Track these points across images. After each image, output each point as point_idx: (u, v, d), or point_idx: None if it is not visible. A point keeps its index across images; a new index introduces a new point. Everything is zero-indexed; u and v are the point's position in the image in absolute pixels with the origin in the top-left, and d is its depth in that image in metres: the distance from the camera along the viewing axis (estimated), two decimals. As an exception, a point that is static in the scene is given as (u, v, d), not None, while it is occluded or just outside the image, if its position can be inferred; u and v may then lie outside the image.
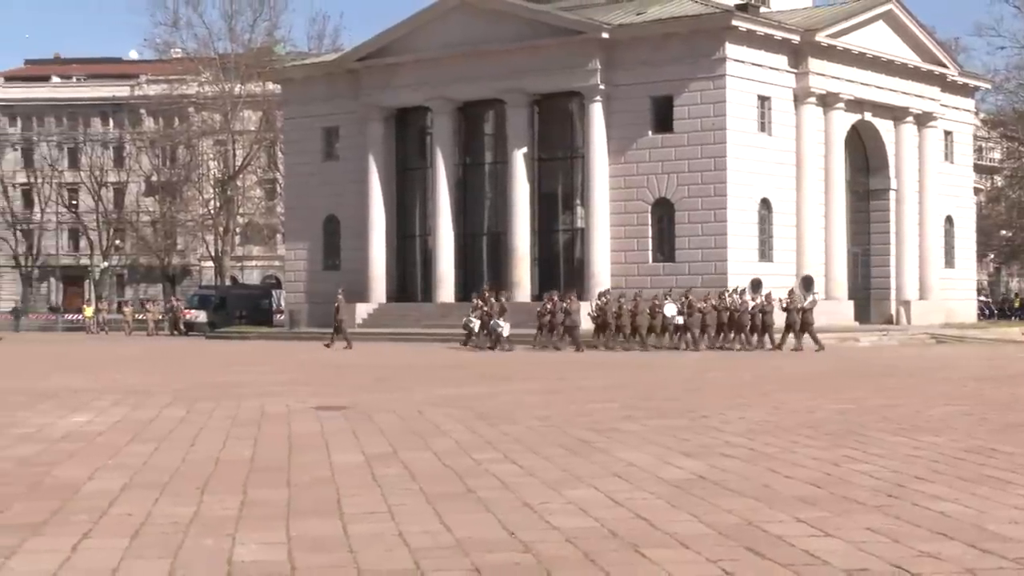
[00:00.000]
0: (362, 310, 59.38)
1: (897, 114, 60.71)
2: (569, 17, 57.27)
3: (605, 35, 55.24)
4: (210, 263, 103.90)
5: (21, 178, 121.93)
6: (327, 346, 47.38)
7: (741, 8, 55.73)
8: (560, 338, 46.12)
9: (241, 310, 72.51)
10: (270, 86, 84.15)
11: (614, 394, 22.27)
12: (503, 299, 47.62)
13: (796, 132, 56.35)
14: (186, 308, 74.94)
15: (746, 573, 7.34)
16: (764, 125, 55.24)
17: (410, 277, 61.41)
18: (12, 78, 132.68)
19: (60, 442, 14.31)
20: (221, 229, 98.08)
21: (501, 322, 45.70)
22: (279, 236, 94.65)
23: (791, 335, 44.49)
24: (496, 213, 60.53)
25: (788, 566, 7.52)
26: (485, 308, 46.93)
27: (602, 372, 30.11)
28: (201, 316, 71.49)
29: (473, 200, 61.44)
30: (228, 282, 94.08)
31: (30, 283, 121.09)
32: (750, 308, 45.63)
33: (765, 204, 55.27)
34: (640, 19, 55.99)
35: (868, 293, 61.21)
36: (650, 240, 55.36)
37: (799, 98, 56.30)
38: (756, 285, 49.22)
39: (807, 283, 49.83)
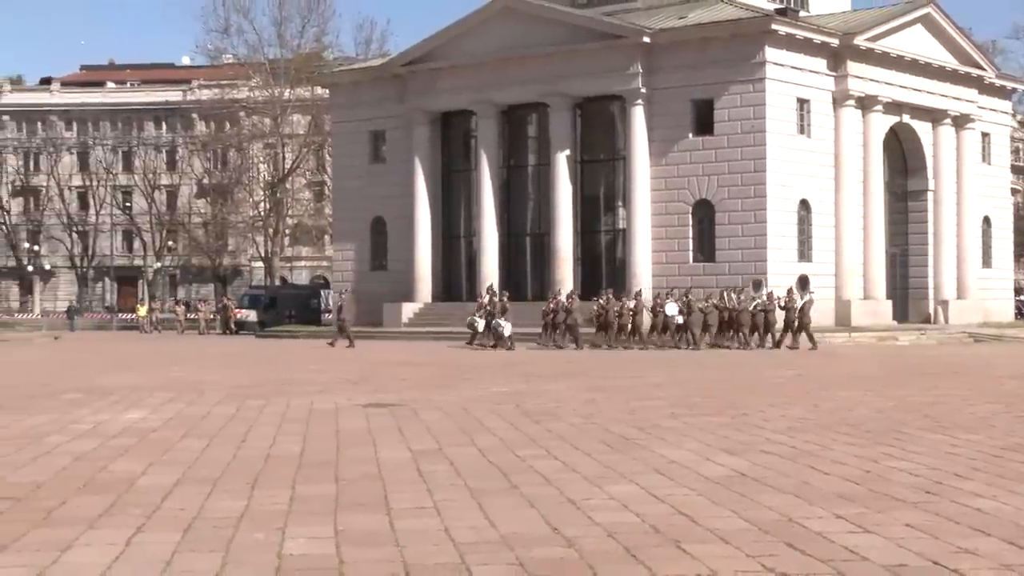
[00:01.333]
0: (408, 309, 59.52)
1: (935, 116, 60.34)
2: (611, 22, 57.23)
3: (646, 39, 55.15)
4: (260, 264, 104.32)
5: (77, 181, 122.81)
6: (330, 344, 47.43)
7: (781, 12, 55.54)
8: (562, 336, 46.15)
9: (290, 309, 72.77)
10: (319, 90, 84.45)
11: (657, 392, 22.21)
12: (504, 299, 47.71)
13: (835, 134, 56.10)
14: (237, 308, 75.24)
15: (786, 568, 7.30)
16: (803, 127, 55.03)
17: (455, 277, 61.48)
18: (68, 84, 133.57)
19: (115, 438, 14.39)
20: (271, 230, 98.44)
21: (502, 321, 45.75)
22: (327, 237, 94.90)
23: (789, 333, 44.49)
24: (539, 214, 60.55)
25: (827, 562, 7.48)
26: (488, 307, 47.05)
27: (637, 370, 30.04)
28: (252, 315, 71.78)
29: (517, 201, 61.49)
30: (278, 282, 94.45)
31: (85, 283, 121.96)
32: (752, 308, 45.58)
33: (804, 205, 55.06)
34: (681, 23, 55.86)
35: (906, 293, 60.90)
36: (691, 240, 55.25)
37: (838, 101, 56.04)
38: (758, 285, 49.07)
39: (803, 283, 49.61)
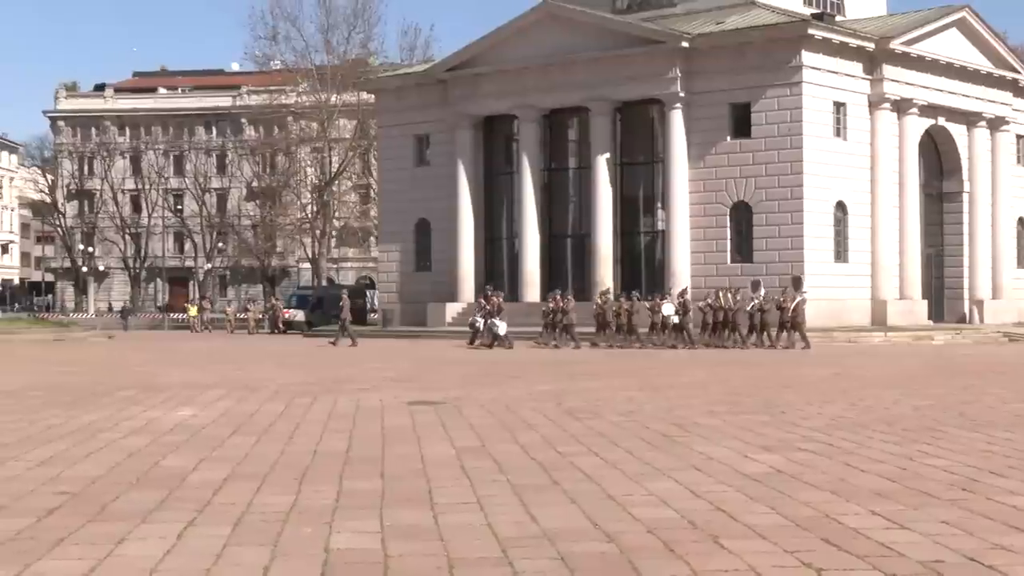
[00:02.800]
0: (451, 309, 59.60)
1: (970, 119, 59.96)
2: (650, 27, 57.15)
3: (685, 44, 55.04)
4: (308, 265, 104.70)
5: (130, 185, 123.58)
6: (332, 344, 47.68)
7: (817, 17, 55.39)
8: (559, 336, 46.10)
9: (337, 309, 72.91)
10: (364, 96, 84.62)
11: (697, 391, 22.16)
12: (500, 299, 47.82)
13: (871, 137, 55.86)
14: (285, 308, 75.53)
15: (823, 564, 7.27)
16: (839, 130, 54.80)
17: (497, 277, 61.47)
18: (121, 90, 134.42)
19: (167, 435, 14.47)
20: (318, 232, 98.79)
21: (498, 321, 45.90)
22: (373, 239, 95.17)
23: (784, 332, 44.41)
24: (580, 216, 60.54)
25: (864, 557, 7.45)
26: (488, 308, 47.15)
27: (679, 370, 29.98)
28: (299, 315, 72.05)
29: (558, 203, 61.49)
30: (325, 283, 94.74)
31: (138, 284, 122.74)
32: (749, 308, 45.46)
33: (840, 207, 54.84)
34: (719, 29, 55.71)
35: (942, 293, 60.58)
36: (729, 242, 55.11)
37: (874, 104, 55.77)
38: (756, 285, 48.88)
39: (796, 283, 49.39)
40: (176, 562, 7.43)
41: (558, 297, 47.35)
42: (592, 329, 47.22)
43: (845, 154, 54.71)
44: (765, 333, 44.85)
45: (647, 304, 47.08)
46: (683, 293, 47.57)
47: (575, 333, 45.78)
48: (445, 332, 51.41)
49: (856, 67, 55.18)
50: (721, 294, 46.47)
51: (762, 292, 47.05)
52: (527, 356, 38.67)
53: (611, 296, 48.32)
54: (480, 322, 46.88)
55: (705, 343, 45.02)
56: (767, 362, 33.72)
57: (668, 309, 45.78)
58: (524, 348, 43.87)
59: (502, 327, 45.52)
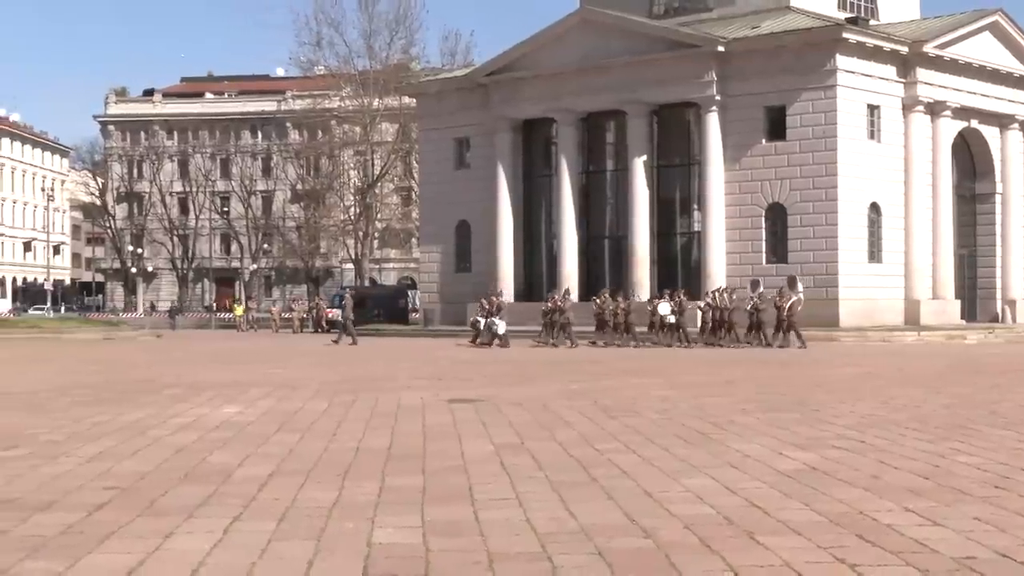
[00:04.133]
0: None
1: (1003, 121, 59.60)
2: (686, 32, 57.06)
3: (721, 48, 54.94)
4: (350, 265, 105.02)
5: (178, 187, 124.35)
6: (335, 342, 47.84)
7: (851, 21, 55.19)
8: (556, 335, 46.05)
9: (379, 309, 73.13)
10: (406, 100, 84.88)
11: (730, 389, 22.10)
12: (499, 299, 47.99)
13: (904, 139, 55.63)
14: (328, 307, 75.73)
15: (856, 560, 7.24)
16: (873, 133, 54.57)
17: (536, 278, 61.54)
18: (169, 95, 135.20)
19: (214, 431, 14.52)
20: (361, 234, 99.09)
21: (497, 320, 46.02)
22: (414, 240, 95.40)
23: (780, 332, 44.27)
24: (617, 217, 60.51)
25: (897, 553, 7.41)
26: (488, 308, 47.24)
27: (712, 368, 29.89)
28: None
29: (595, 205, 61.49)
30: (367, 283, 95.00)
31: (185, 284, 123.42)
32: (748, 307, 45.28)
33: (874, 208, 54.62)
34: (754, 33, 55.58)
35: (974, 293, 60.27)
36: (764, 243, 54.97)
37: (907, 107, 55.52)
38: (755, 284, 48.66)
39: (792, 283, 49.17)
40: (222, 556, 7.46)
41: (556, 297, 47.39)
42: (593, 328, 47.22)
43: (879, 156, 54.49)
44: (760, 332, 44.67)
45: (647, 304, 47.12)
46: (679, 292, 47.66)
47: (572, 332, 45.76)
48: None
49: (890, 70, 54.95)
50: (718, 294, 46.43)
51: (760, 291, 46.86)
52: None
53: (608, 295, 48.29)
54: (481, 321, 47.06)
55: (706, 342, 44.81)
56: (796, 361, 33.57)
57: (664, 308, 45.75)
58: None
59: (501, 326, 45.74)
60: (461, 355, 38.26)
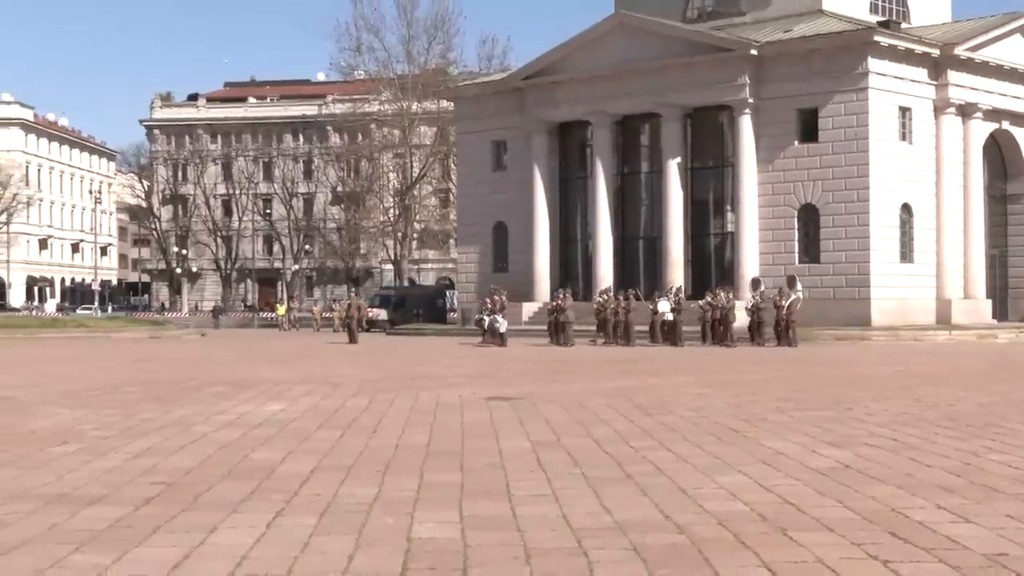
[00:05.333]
0: (527, 309, 59.61)
1: (1034, 122, 59.19)
2: (720, 36, 56.94)
3: (754, 52, 54.77)
4: (390, 266, 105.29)
5: (221, 190, 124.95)
6: (349, 342, 48.11)
7: (883, 24, 54.91)
8: (555, 333, 46.06)
9: (418, 309, 73.28)
10: (444, 103, 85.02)
11: (763, 388, 22.02)
12: (503, 298, 47.96)
13: (936, 141, 55.31)
14: (368, 307, 75.93)
15: (889, 556, 7.20)
16: (905, 134, 54.28)
17: (572, 278, 61.46)
18: (213, 99, 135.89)
19: (257, 428, 14.57)
20: (400, 235, 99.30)
21: (499, 318, 46.02)
22: (452, 241, 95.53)
23: (779, 331, 44.13)
24: (652, 218, 60.39)
25: (930, 550, 7.37)
26: (490, 306, 47.28)
27: (754, 367, 29.79)
28: (382, 314, 72.41)
29: (630, 207, 61.40)
30: (406, 283, 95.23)
31: (229, 284, 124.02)
32: (749, 306, 45.03)
33: (906, 209, 54.33)
34: (787, 36, 55.39)
35: (1005, 292, 59.85)
36: (796, 243, 54.79)
37: (939, 109, 55.19)
38: (756, 284, 48.37)
39: (791, 282, 48.84)
40: (265, 550, 7.48)
41: (560, 297, 47.37)
42: (595, 327, 47.23)
43: (910, 158, 54.20)
44: (761, 331, 44.48)
45: (649, 303, 47.10)
46: (678, 292, 47.56)
47: (570, 332, 45.75)
48: (519, 331, 51.46)
49: (921, 73, 54.64)
50: (718, 294, 46.25)
51: (762, 291, 46.61)
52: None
53: (611, 294, 48.22)
54: (487, 320, 47.17)
55: (713, 342, 44.58)
56: (829, 360, 33.41)
57: (664, 307, 45.61)
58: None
59: (503, 324, 45.90)
60: (496, 354, 38.27)
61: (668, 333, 45.15)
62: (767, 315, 44.72)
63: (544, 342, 45.79)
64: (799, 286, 48.97)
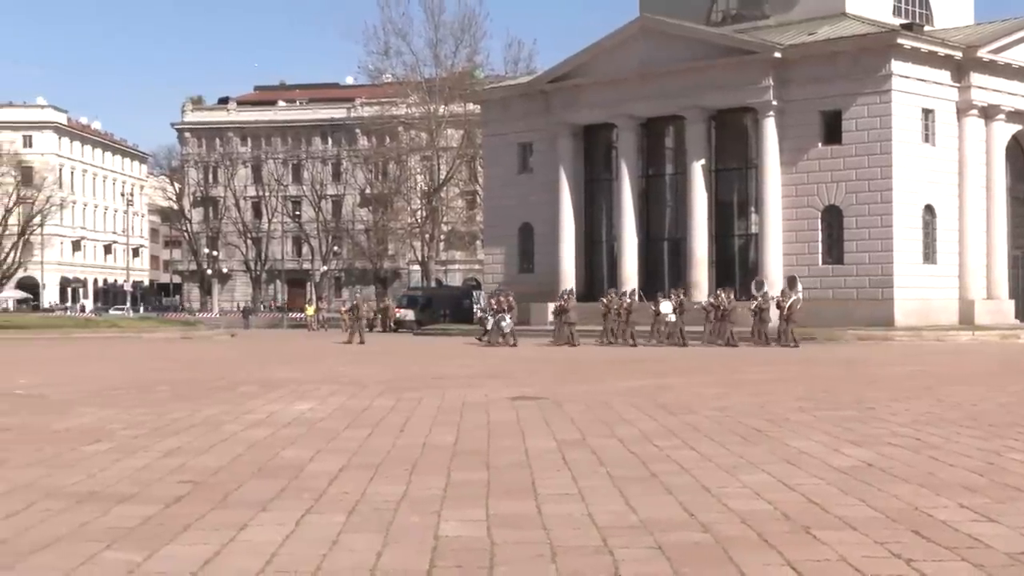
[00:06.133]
0: (553, 309, 59.53)
1: (1056, 124, 58.85)
2: (744, 38, 56.82)
3: (777, 55, 54.63)
4: (417, 267, 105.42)
5: (251, 192, 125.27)
6: (348, 342, 47.98)
7: (906, 27, 54.68)
8: (557, 334, 45.98)
9: (445, 309, 73.30)
10: (471, 106, 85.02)
11: (784, 387, 21.96)
12: (508, 298, 48.04)
13: (958, 142, 55.07)
14: (396, 307, 76.03)
15: (912, 555, 7.17)
16: (928, 136, 54.07)
17: (597, 279, 61.43)
18: (243, 103, 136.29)
19: (286, 427, 14.60)
20: (427, 236, 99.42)
21: (506, 318, 46.25)
22: (479, 242, 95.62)
23: (781, 330, 43.89)
24: (676, 220, 60.30)
25: (952, 549, 7.33)
26: (495, 306, 47.31)
27: (768, 367, 29.71)
28: (409, 315, 72.50)
29: (655, 208, 61.33)
30: (433, 284, 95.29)
31: (259, 285, 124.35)
32: (753, 306, 44.90)
33: (929, 210, 54.11)
34: (811, 39, 55.22)
35: (1029, 293, 59.54)
36: (820, 244, 54.63)
37: (961, 111, 54.95)
38: (759, 285, 48.18)
39: (792, 283, 48.60)
40: (294, 547, 7.50)
41: (563, 298, 47.34)
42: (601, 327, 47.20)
43: (933, 159, 53.98)
44: (763, 331, 44.34)
45: (651, 304, 47.06)
46: (680, 292, 47.45)
47: (573, 331, 45.75)
48: (543, 331, 51.42)
49: (944, 75, 54.40)
50: (723, 293, 46.14)
51: (764, 291, 46.45)
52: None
53: (614, 295, 48.20)
54: (490, 320, 47.39)
55: (709, 342, 44.43)
56: (852, 360, 33.28)
57: (666, 307, 45.53)
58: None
59: (508, 325, 46.08)
60: (524, 354, 38.27)
61: (670, 333, 45.16)
62: (768, 315, 44.62)
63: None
64: (799, 287, 48.86)
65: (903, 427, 14.27)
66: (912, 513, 8.52)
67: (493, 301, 49.10)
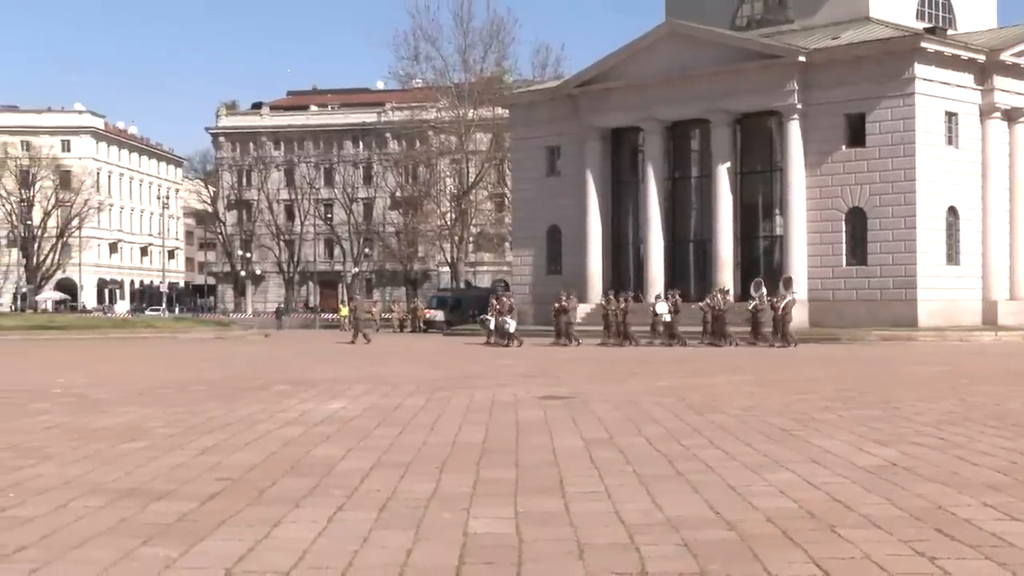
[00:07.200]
0: (581, 310, 59.44)
1: (1079, 127, 58.42)
2: (768, 43, 56.67)
3: (802, 58, 54.47)
4: (447, 268, 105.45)
5: (284, 195, 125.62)
6: (352, 342, 47.94)
7: (929, 31, 54.45)
8: (566, 335, 45.84)
9: (474, 310, 73.30)
10: (499, 110, 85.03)
11: (811, 387, 21.88)
12: (509, 300, 48.51)
13: (982, 144, 54.80)
14: (426, 308, 76.11)
15: (936, 553, 7.14)
16: (951, 139, 53.81)
17: (624, 280, 61.37)
18: (276, 108, 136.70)
19: (319, 426, 14.63)
20: (456, 238, 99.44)
21: (508, 319, 46.36)
22: (507, 244, 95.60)
23: (776, 331, 43.76)
24: (702, 222, 60.18)
25: (976, 547, 7.29)
26: (498, 308, 47.24)
27: (792, 368, 29.60)
28: (439, 315, 72.60)
29: (680, 210, 61.23)
30: (463, 285, 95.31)
31: (291, 286, 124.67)
32: (751, 307, 44.71)
33: (952, 212, 53.85)
34: (835, 43, 55.05)
35: (1052, 294, 59.10)
36: (844, 246, 54.44)
37: (984, 113, 54.66)
38: (757, 286, 48.00)
39: (787, 284, 48.29)
40: (326, 544, 7.52)
41: (562, 299, 47.30)
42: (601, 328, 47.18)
43: (957, 161, 53.72)
44: (760, 332, 44.14)
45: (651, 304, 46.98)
46: (674, 294, 47.37)
47: (573, 332, 45.63)
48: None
49: (967, 78, 54.13)
50: (719, 294, 45.98)
51: (762, 292, 46.32)
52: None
53: (612, 296, 48.15)
54: (491, 321, 47.61)
55: (709, 342, 44.24)
56: (876, 360, 33.15)
57: (662, 308, 45.43)
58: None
59: (511, 325, 46.32)
60: (556, 354, 38.25)
61: (666, 333, 45.06)
62: (764, 316, 44.50)
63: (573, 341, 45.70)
64: (794, 288, 48.68)
65: (927, 426, 14.20)
66: (936, 512, 8.48)
67: (495, 302, 49.16)
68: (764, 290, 46.66)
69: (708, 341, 44.24)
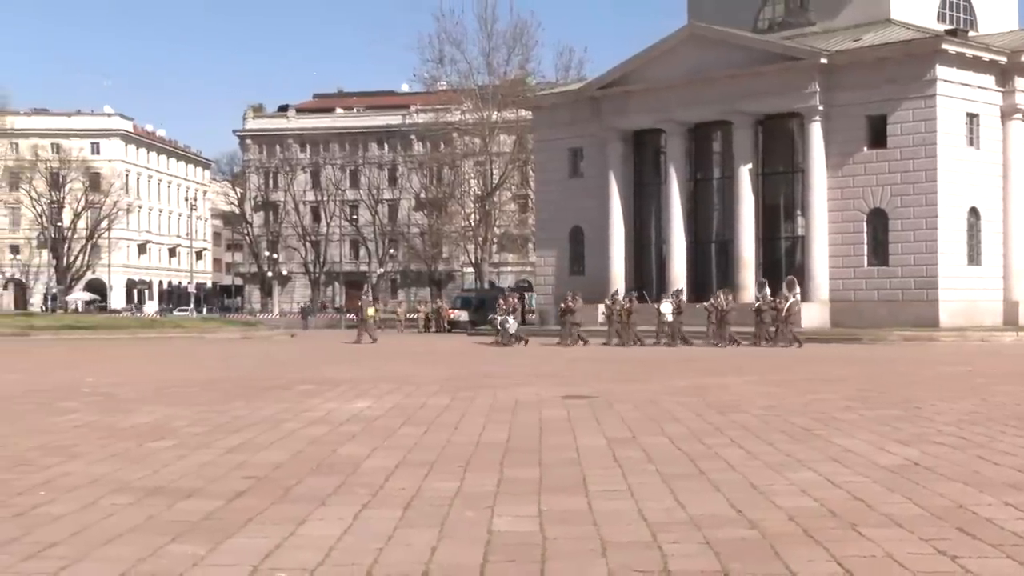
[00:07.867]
0: (602, 310, 59.43)
1: (1100, 127, 58.05)
2: (790, 45, 56.53)
3: (824, 60, 54.32)
4: (471, 269, 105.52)
5: (310, 197, 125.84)
6: (356, 342, 47.94)
7: (950, 33, 54.23)
8: (572, 335, 45.76)
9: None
10: (523, 113, 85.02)
11: (831, 387, 21.80)
12: (514, 300, 48.40)
13: (1003, 146, 54.56)
14: (450, 308, 76.14)
15: (957, 552, 7.11)
16: (972, 140, 53.58)
17: (646, 281, 61.28)
18: (303, 110, 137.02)
19: (344, 425, 14.65)
20: (480, 239, 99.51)
21: (510, 319, 46.48)
22: (531, 245, 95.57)
23: (779, 331, 43.60)
24: (723, 223, 60.07)
25: (997, 546, 7.26)
26: (504, 308, 47.28)
27: (812, 367, 29.49)
28: (463, 315, 72.58)
29: (702, 212, 61.12)
30: (486, 285, 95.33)
31: (317, 287, 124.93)
32: (755, 307, 44.57)
33: (974, 212, 53.62)
34: (856, 45, 54.86)
35: (1073, 294, 58.75)
36: (865, 247, 54.26)
37: (1006, 114, 54.43)
38: (761, 286, 47.79)
39: (790, 285, 48.12)
40: (352, 541, 7.53)
41: (568, 299, 47.21)
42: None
43: (978, 162, 53.48)
44: (763, 332, 43.97)
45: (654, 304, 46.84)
46: (678, 293, 47.30)
47: (577, 332, 45.61)
48: (593, 331, 51.38)
49: (988, 80, 53.89)
50: (722, 295, 45.83)
51: (765, 292, 46.18)
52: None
53: (619, 297, 48.05)
54: (498, 319, 47.66)
55: (713, 343, 44.08)
56: (896, 360, 33.00)
57: (666, 308, 45.32)
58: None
59: (513, 325, 46.42)
60: (561, 354, 38.24)
61: (668, 333, 45.06)
62: (767, 316, 44.35)
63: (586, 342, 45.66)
64: (797, 289, 48.56)
65: (948, 426, 14.13)
66: (957, 511, 8.44)
67: (502, 302, 49.24)
68: (767, 290, 46.61)
69: (712, 342, 44.18)
